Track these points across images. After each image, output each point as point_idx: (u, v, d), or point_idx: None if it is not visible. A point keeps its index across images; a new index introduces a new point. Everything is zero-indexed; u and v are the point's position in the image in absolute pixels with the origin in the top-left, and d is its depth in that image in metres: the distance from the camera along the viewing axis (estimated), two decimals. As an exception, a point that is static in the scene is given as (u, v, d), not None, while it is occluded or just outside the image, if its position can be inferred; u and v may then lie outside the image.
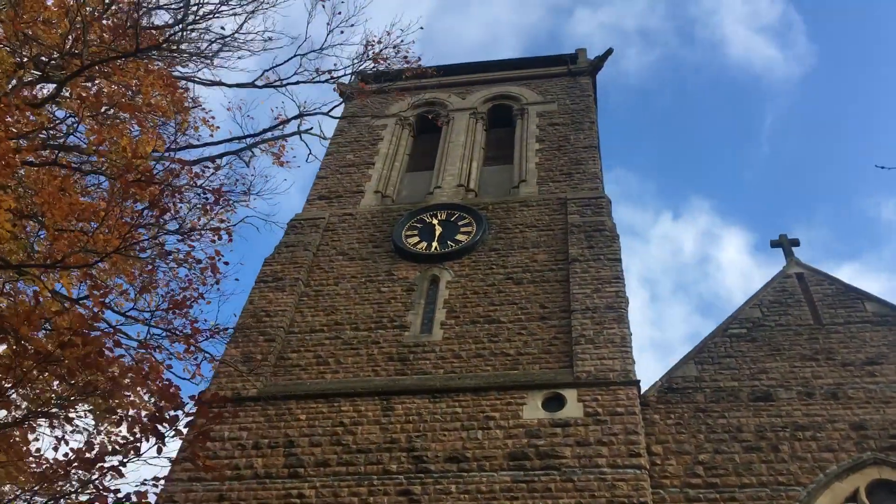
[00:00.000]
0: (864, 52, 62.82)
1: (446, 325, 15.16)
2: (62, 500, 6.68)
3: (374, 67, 14.02)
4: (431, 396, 13.48)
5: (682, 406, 13.26)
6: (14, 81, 8.10)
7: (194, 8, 11.29)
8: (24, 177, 10.10)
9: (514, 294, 15.63)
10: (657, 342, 63.90)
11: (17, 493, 7.11)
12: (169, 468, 10.47)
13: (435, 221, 17.99)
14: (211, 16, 11.64)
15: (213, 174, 11.76)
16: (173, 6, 11.79)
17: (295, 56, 12.96)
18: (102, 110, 9.55)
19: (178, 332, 9.34)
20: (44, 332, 6.35)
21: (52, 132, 10.97)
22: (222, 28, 12.32)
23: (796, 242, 16.61)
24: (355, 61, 13.47)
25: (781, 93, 69.34)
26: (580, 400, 12.97)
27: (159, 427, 6.05)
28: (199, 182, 10.18)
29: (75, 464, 6.19)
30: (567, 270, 15.83)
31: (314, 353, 15.00)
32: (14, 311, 5.87)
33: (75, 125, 10.41)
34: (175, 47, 11.22)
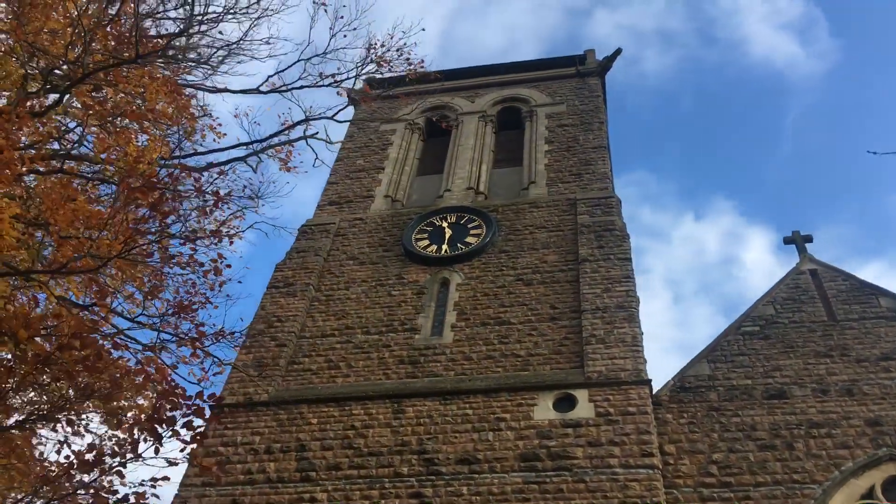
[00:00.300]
0: (888, 45, 62.09)
1: (457, 327, 15.15)
2: (57, 503, 6.73)
3: (377, 71, 14.08)
4: (442, 399, 13.47)
5: (695, 405, 13.16)
6: (14, 91, 8.19)
7: (198, 17, 11.41)
8: (35, 186, 10.24)
9: (524, 295, 15.59)
10: (681, 344, 63.51)
11: (20, 497, 7.16)
12: (165, 469, 10.53)
13: (445, 224, 18.01)
14: (216, 23, 11.77)
15: (217, 178, 11.86)
16: (179, 16, 11.95)
17: (299, 61, 13.05)
18: (109, 119, 9.65)
19: (183, 336, 9.40)
20: (43, 335, 6.40)
21: (63, 142, 11.12)
22: (220, 33, 12.41)
23: (809, 239, 16.45)
24: (359, 65, 13.53)
25: (804, 90, 68.82)
26: (591, 400, 12.90)
27: (158, 428, 6.09)
28: (198, 185, 10.24)
29: (76, 466, 6.25)
30: (577, 271, 15.78)
31: (325, 358, 15.05)
32: (13, 314, 5.93)
33: (85, 134, 10.54)
34: (180, 55, 11.33)
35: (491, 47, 74.76)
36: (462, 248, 17.05)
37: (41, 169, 8.97)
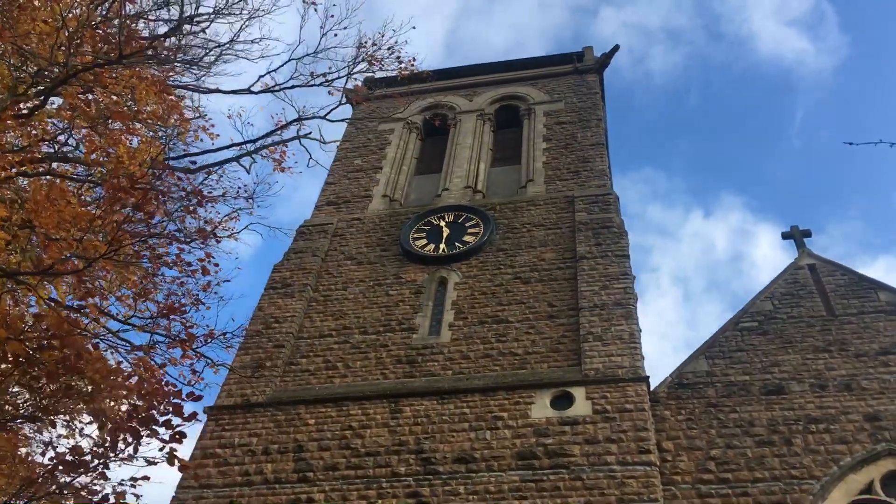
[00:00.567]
0: (898, 39, 61.61)
1: (454, 326, 15.11)
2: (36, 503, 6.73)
3: (368, 70, 14.04)
4: (440, 398, 13.44)
5: (692, 401, 13.09)
6: (6, 94, 8.19)
7: (188, 18, 11.38)
8: (25, 189, 10.24)
9: (521, 293, 15.55)
10: (691, 341, 63.34)
11: (3, 499, 7.14)
12: (145, 469, 10.52)
13: (442, 223, 17.97)
14: (206, 24, 11.74)
15: (206, 178, 11.83)
16: (169, 18, 11.92)
17: (290, 60, 13.02)
18: (98, 120, 9.63)
19: (173, 337, 9.37)
20: (21, 336, 6.38)
21: (54, 144, 11.12)
22: (204, 32, 12.33)
23: (808, 233, 16.36)
24: (350, 64, 13.49)
25: (813, 86, 68.47)
26: (589, 397, 12.85)
27: (139, 428, 6.08)
28: (184, 184, 10.23)
29: (60, 468, 6.23)
30: (575, 268, 15.73)
31: (323, 358, 15.03)
32: (-7, 315, 5.94)
33: (74, 136, 10.54)
34: (171, 56, 11.31)
35: (496, 46, 74.76)
36: (460, 247, 17.02)
37: (28, 171, 8.97)
